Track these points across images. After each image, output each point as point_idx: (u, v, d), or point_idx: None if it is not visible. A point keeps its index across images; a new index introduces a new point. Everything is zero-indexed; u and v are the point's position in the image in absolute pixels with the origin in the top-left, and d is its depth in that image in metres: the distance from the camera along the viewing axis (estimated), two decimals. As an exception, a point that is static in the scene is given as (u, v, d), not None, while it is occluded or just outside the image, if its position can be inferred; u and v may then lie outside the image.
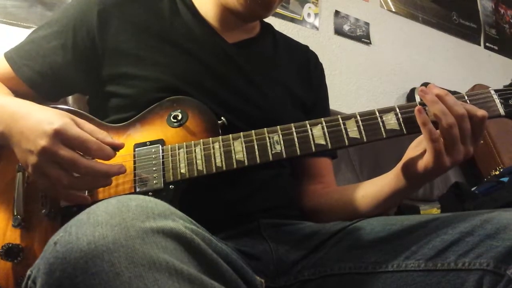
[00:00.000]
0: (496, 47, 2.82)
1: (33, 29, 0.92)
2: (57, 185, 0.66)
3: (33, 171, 0.67)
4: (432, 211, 1.62)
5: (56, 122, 0.65)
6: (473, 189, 1.62)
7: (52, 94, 0.92)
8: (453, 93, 0.74)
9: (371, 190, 0.86)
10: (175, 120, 0.79)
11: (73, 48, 0.86)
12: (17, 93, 0.87)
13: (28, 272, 0.50)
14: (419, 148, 0.75)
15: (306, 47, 1.11)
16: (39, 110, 0.70)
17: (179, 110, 0.79)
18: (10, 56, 0.88)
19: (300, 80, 1.02)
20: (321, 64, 1.10)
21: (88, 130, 0.68)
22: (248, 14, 0.91)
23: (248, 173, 0.83)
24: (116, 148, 0.69)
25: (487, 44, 2.79)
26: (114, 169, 0.69)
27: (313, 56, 1.10)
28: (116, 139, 0.78)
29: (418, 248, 0.69)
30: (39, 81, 0.87)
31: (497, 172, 1.89)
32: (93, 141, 0.66)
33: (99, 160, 0.68)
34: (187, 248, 0.51)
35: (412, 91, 2.30)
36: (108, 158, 0.68)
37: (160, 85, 0.84)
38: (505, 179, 1.60)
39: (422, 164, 0.73)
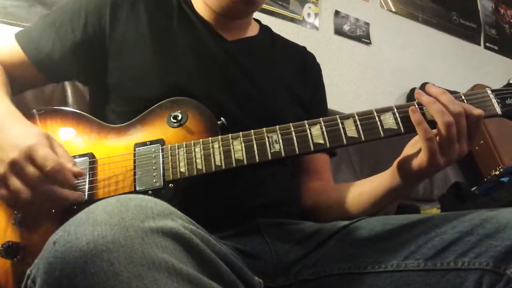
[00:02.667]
0: (496, 47, 2.82)
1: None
2: (15, 198, 0.67)
3: None
4: (432, 211, 1.61)
5: (30, 139, 0.68)
6: (473, 189, 1.62)
7: (56, 76, 0.95)
8: (452, 93, 0.75)
9: (368, 187, 0.86)
10: (175, 120, 0.79)
11: (82, 35, 0.88)
12: (20, 75, 0.89)
13: (28, 272, 0.50)
14: (415, 146, 0.75)
15: (304, 48, 1.12)
16: (20, 125, 0.72)
17: (179, 111, 0.80)
18: (20, 37, 0.90)
19: (298, 78, 1.03)
20: (318, 65, 1.11)
21: (59, 153, 0.70)
22: (233, 12, 0.93)
23: (247, 172, 0.83)
24: (77, 174, 0.70)
25: (487, 44, 2.79)
26: (73, 197, 0.70)
27: (310, 56, 1.10)
28: (117, 139, 0.80)
29: (417, 248, 0.69)
30: (46, 62, 0.89)
31: (497, 172, 1.89)
32: (55, 164, 0.67)
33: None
34: (186, 248, 0.51)
35: (412, 91, 2.29)
36: (66, 182, 0.69)
37: (163, 79, 0.85)
38: (505, 179, 1.60)
39: (416, 162, 0.73)
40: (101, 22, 0.88)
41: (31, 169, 0.66)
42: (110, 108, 0.89)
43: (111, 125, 0.82)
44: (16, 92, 0.89)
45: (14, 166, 0.66)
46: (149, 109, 0.82)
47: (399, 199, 0.90)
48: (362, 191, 0.87)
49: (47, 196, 0.68)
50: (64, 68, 0.91)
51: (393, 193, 0.81)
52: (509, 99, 0.74)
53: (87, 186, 0.74)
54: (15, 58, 0.89)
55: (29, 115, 0.82)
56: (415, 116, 0.71)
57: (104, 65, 0.88)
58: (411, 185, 0.80)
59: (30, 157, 0.66)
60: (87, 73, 0.92)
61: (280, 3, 2.02)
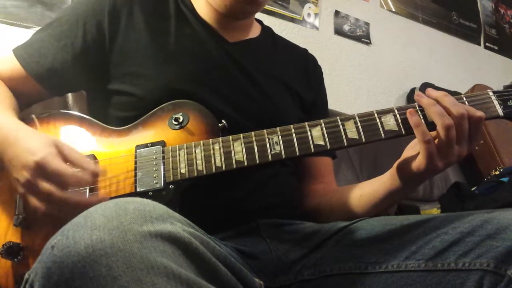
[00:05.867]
0: (496, 47, 2.82)
1: (34, 28, 0.93)
2: (38, 212, 0.68)
3: (20, 198, 0.71)
4: (432, 211, 1.62)
5: (38, 153, 0.67)
6: (473, 189, 1.62)
7: (59, 90, 0.94)
8: (453, 93, 0.75)
9: (368, 189, 0.86)
10: (176, 123, 0.79)
11: (82, 46, 0.87)
12: (23, 91, 0.88)
13: (26, 276, 0.50)
14: (415, 149, 0.75)
15: (305, 50, 1.12)
16: (26, 137, 0.71)
17: (181, 113, 0.80)
18: (19, 54, 0.88)
19: (300, 79, 1.03)
20: (320, 67, 1.11)
21: (73, 159, 0.70)
22: (237, 12, 0.93)
23: (248, 173, 0.83)
24: (97, 175, 0.72)
25: (487, 44, 2.79)
26: (92, 201, 0.68)
27: (312, 59, 1.11)
28: (119, 140, 0.80)
29: (418, 248, 0.69)
30: (48, 77, 0.88)
31: (497, 172, 1.89)
32: (70, 175, 0.68)
33: None
34: (185, 252, 0.51)
35: (412, 91, 2.30)
36: (87, 185, 0.72)
37: (165, 84, 0.85)
38: (505, 179, 1.60)
39: (415, 165, 0.73)
40: (100, 32, 0.87)
41: (42, 185, 0.67)
42: (110, 114, 0.89)
43: (113, 128, 0.82)
44: (24, 107, 0.89)
45: (28, 186, 0.67)
46: (151, 111, 0.82)
47: (400, 200, 0.90)
48: (362, 193, 0.87)
49: (65, 205, 0.68)
50: (67, 81, 0.90)
51: (393, 195, 0.81)
52: (510, 100, 0.74)
53: (88, 187, 0.74)
54: (16, 74, 0.87)
55: (29, 120, 0.82)
56: (413, 119, 0.71)
57: (105, 73, 0.88)
58: (411, 187, 0.80)
59: (41, 173, 0.67)
60: (89, 82, 0.92)
61: (280, 3, 2.02)
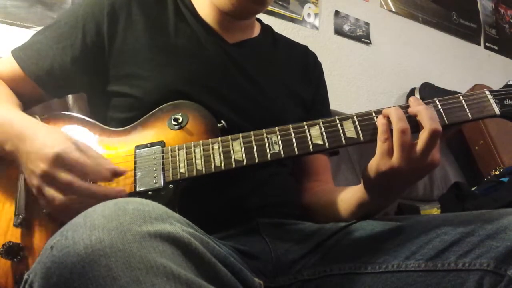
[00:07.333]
0: (496, 47, 2.83)
1: (34, 28, 0.93)
2: (51, 205, 0.69)
3: (34, 191, 0.70)
4: (432, 211, 1.62)
5: (57, 146, 0.68)
6: (473, 189, 1.63)
7: (58, 92, 0.95)
8: (453, 93, 0.75)
9: (347, 196, 0.85)
10: (175, 123, 0.79)
11: (82, 48, 0.87)
12: (22, 93, 0.88)
13: (25, 276, 0.50)
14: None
15: (305, 47, 1.12)
16: (44, 132, 0.72)
17: (180, 113, 0.80)
18: (18, 55, 0.88)
19: (299, 78, 1.03)
20: (320, 63, 1.11)
21: (90, 155, 0.71)
22: (242, 11, 0.92)
23: (247, 172, 0.83)
24: (117, 174, 0.72)
25: (487, 44, 2.80)
26: (113, 193, 0.70)
27: (312, 56, 1.11)
28: (118, 141, 0.80)
29: (418, 248, 0.69)
30: (47, 79, 0.88)
31: (497, 172, 1.89)
32: (90, 166, 0.69)
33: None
34: (185, 252, 0.51)
35: (412, 91, 2.30)
36: (105, 181, 0.72)
37: (164, 85, 0.85)
38: (505, 179, 1.60)
39: (373, 167, 0.72)
40: (99, 33, 0.87)
41: (63, 175, 0.67)
42: (110, 115, 0.89)
43: (112, 128, 0.83)
44: (24, 109, 0.88)
45: (45, 176, 0.67)
46: (150, 112, 0.82)
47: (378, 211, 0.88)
48: (343, 197, 0.86)
49: (85, 196, 0.68)
50: (66, 83, 0.90)
51: (364, 206, 0.80)
52: (507, 99, 0.75)
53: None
54: (15, 76, 0.87)
55: None
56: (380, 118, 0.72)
57: (104, 75, 0.88)
58: (380, 197, 0.78)
59: (60, 164, 0.67)
60: (88, 83, 0.92)
61: (280, 3, 2.02)
